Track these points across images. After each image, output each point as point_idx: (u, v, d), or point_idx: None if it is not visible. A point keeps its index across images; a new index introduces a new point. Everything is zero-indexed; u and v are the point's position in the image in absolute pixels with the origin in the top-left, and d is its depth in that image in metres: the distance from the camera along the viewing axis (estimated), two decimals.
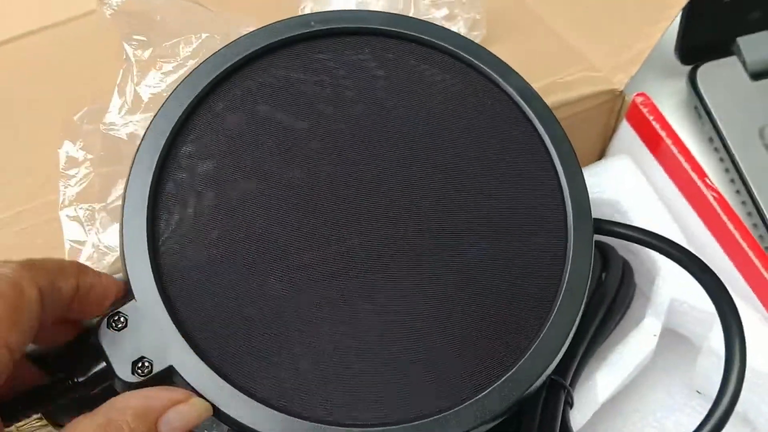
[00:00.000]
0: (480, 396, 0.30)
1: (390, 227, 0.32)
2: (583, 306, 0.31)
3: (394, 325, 0.31)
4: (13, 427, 0.33)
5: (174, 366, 0.29)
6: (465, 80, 0.35)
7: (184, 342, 0.29)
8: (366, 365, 0.30)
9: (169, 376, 0.29)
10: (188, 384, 0.29)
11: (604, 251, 0.40)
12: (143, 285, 0.30)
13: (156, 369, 0.29)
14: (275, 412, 0.29)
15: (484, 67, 0.35)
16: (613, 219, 0.40)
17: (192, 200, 0.32)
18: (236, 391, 0.29)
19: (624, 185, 0.41)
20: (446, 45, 0.35)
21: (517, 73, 0.35)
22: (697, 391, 0.40)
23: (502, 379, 0.30)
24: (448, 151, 0.33)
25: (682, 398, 0.40)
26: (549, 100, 0.40)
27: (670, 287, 0.38)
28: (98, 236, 0.38)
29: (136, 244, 0.31)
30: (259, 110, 0.34)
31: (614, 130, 0.45)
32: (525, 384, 0.30)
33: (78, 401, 0.31)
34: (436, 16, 0.44)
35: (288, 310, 0.31)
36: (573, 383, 0.35)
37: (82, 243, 0.39)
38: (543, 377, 0.30)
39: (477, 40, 0.43)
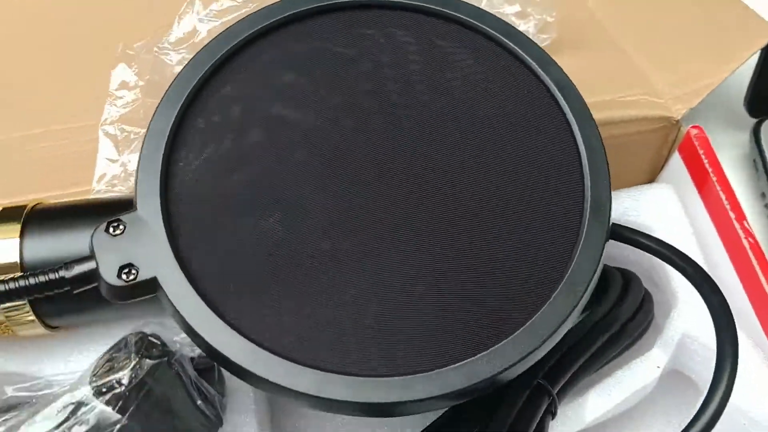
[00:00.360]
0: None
1: (411, 186, 0.32)
2: (584, 296, 0.30)
3: (411, 276, 0.30)
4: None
5: (158, 277, 0.29)
6: (504, 66, 0.34)
7: (174, 257, 0.29)
8: (383, 313, 0.29)
9: (151, 287, 0.29)
10: (168, 298, 0.29)
11: (627, 278, 0.39)
12: (147, 197, 0.31)
13: (141, 277, 0.29)
14: (254, 346, 0.28)
15: (524, 55, 0.34)
16: None
17: (216, 137, 0.32)
18: (211, 314, 0.29)
19: (662, 213, 0.40)
20: (488, 28, 0.35)
21: (557, 64, 0.34)
22: None
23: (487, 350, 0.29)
24: (475, 125, 0.33)
25: None
26: (604, 114, 0.40)
27: (683, 321, 0.36)
28: (129, 158, 0.39)
29: (151, 160, 0.31)
30: (296, 66, 0.34)
31: (666, 159, 0.44)
32: (499, 365, 0.29)
33: (63, 300, 0.32)
34: (508, 11, 0.43)
35: (296, 255, 0.30)
36: (561, 394, 0.33)
37: (113, 161, 0.40)
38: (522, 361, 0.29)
39: (545, 44, 0.43)
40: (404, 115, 0.33)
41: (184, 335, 0.30)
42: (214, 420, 0.29)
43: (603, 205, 0.32)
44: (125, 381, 0.27)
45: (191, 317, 0.29)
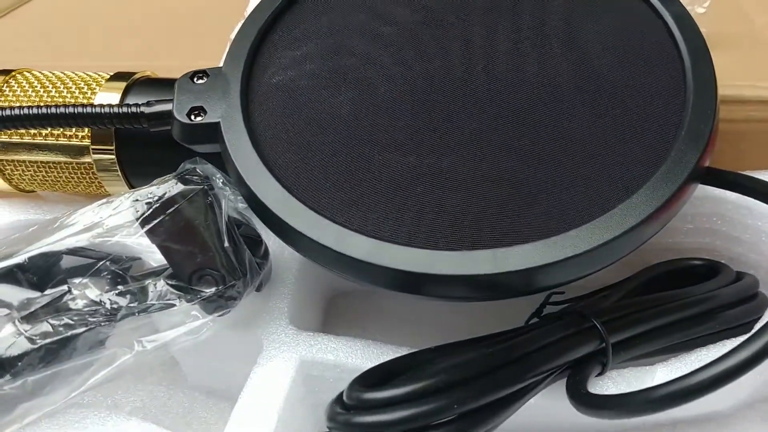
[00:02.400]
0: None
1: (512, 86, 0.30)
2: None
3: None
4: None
5: (221, 122, 0.30)
6: None
7: (240, 109, 0.31)
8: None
9: (214, 134, 0.31)
10: (224, 143, 0.30)
11: (741, 275, 0.34)
12: (235, 58, 0.32)
13: (206, 120, 0.31)
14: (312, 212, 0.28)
15: None
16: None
17: (309, 37, 0.33)
18: (260, 163, 0.29)
19: None
20: None
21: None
22: None
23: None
24: (578, 43, 0.31)
25: None
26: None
27: None
28: None
29: (248, 32, 0.33)
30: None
31: None
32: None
33: (142, 144, 0.34)
34: None
35: (366, 132, 0.30)
36: (618, 349, 0.29)
37: None
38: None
39: (696, 13, 0.40)
40: (506, 33, 0.32)
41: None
42: (238, 271, 0.28)
43: (701, 134, 0.28)
44: (158, 193, 0.27)
45: (241, 163, 0.29)
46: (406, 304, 0.38)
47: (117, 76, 0.36)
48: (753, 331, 0.25)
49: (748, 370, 0.23)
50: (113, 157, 0.35)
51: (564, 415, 0.28)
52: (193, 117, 0.31)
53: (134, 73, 0.36)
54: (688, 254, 0.35)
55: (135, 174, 0.35)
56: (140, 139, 0.34)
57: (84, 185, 0.36)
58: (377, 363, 0.27)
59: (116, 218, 0.27)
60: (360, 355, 0.30)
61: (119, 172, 0.35)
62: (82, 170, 0.35)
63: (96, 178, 0.36)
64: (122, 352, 0.29)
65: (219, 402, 0.34)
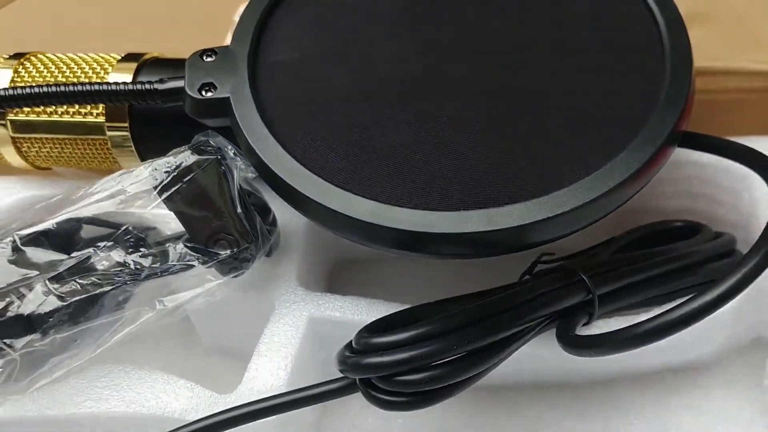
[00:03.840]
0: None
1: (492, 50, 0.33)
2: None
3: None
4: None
5: (231, 97, 0.32)
6: None
7: (248, 84, 0.32)
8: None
9: (223, 105, 0.32)
10: (235, 117, 0.32)
11: (720, 233, 0.36)
12: (242, 35, 0.34)
13: (217, 95, 0.32)
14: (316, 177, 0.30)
15: None
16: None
17: (312, 13, 0.35)
18: (269, 134, 0.31)
19: None
20: None
21: None
22: None
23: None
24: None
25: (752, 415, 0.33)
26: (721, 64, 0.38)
27: None
28: None
29: (254, 10, 0.35)
30: None
31: None
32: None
33: (156, 121, 0.36)
34: None
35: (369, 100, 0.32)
36: (604, 300, 0.31)
37: None
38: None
39: None
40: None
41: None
42: (251, 234, 0.30)
43: (678, 99, 0.31)
44: (175, 162, 0.29)
45: (251, 134, 0.31)
46: (407, 270, 0.41)
47: (128, 57, 0.38)
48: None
49: (726, 301, 0.25)
50: (127, 133, 0.37)
51: (555, 361, 0.30)
52: (203, 92, 0.33)
53: (144, 54, 0.38)
54: (671, 216, 0.37)
55: (148, 149, 0.37)
56: (153, 115, 0.36)
57: (98, 161, 0.38)
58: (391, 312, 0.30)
59: (137, 185, 0.29)
60: (365, 312, 0.32)
61: (133, 148, 0.37)
62: (97, 146, 0.37)
63: (110, 154, 0.38)
64: (144, 311, 0.31)
65: (234, 363, 0.36)
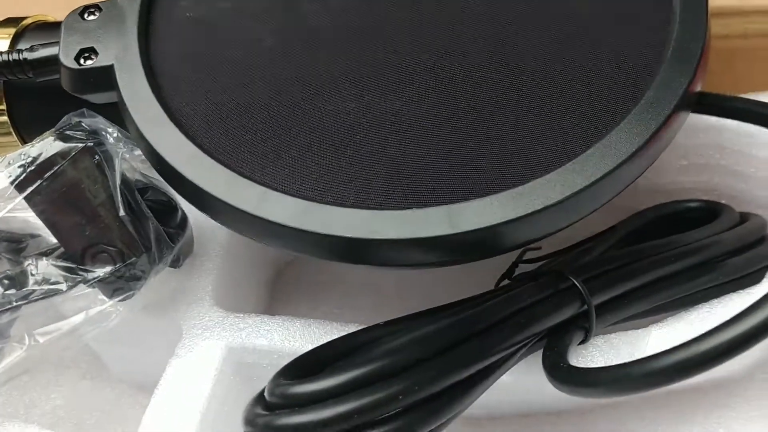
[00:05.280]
0: None
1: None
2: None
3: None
4: None
5: (114, 64, 0.25)
6: None
7: (137, 48, 0.26)
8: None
9: (108, 76, 0.25)
10: (119, 91, 0.25)
11: (745, 216, 0.29)
12: None
13: (98, 63, 0.26)
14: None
15: None
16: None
17: None
18: (161, 111, 0.24)
19: None
20: None
21: None
22: None
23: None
24: None
25: None
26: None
27: None
28: None
29: None
30: None
31: None
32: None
33: (32, 98, 0.29)
34: None
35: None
36: (602, 311, 0.24)
37: None
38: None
39: None
40: None
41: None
42: (140, 245, 0.23)
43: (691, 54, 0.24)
44: (33, 153, 0.22)
45: (138, 113, 0.24)
46: (363, 272, 0.34)
47: (5, 22, 0.31)
48: None
49: None
50: (5, 118, 0.30)
51: (542, 394, 0.24)
52: (82, 61, 0.26)
53: (25, 18, 0.31)
54: (682, 196, 0.31)
55: (33, 135, 0.30)
56: (34, 92, 0.29)
57: None
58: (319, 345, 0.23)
59: None
60: (300, 337, 0.25)
61: (14, 134, 0.30)
62: None
63: None
64: (11, 348, 0.24)
65: (148, 396, 0.29)
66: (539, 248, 0.27)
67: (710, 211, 0.30)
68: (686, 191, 0.32)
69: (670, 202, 0.30)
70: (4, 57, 0.27)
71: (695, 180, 0.32)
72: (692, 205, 0.30)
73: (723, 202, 0.30)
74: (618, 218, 0.29)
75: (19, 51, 0.27)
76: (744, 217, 0.30)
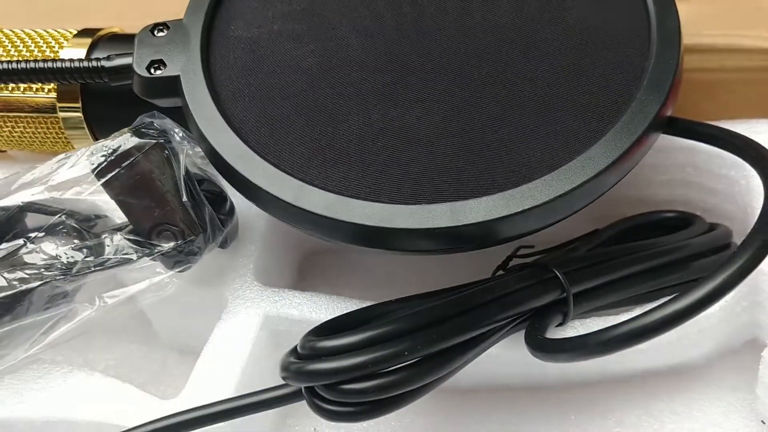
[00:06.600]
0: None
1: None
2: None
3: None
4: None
5: (181, 76, 0.30)
6: None
7: (200, 62, 0.30)
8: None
9: (174, 85, 0.30)
10: (185, 98, 0.29)
11: (714, 225, 0.33)
12: (196, 9, 0.32)
13: (166, 73, 0.30)
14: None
15: None
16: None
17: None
18: (220, 117, 0.29)
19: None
20: None
21: None
22: (762, 421, 0.31)
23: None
24: None
25: (739, 423, 0.31)
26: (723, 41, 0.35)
27: None
28: None
29: None
30: None
31: None
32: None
33: (106, 101, 0.34)
34: None
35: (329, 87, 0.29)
36: (579, 299, 0.28)
37: None
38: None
39: None
40: None
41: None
42: (198, 226, 0.28)
43: (662, 83, 0.28)
44: (113, 146, 0.27)
45: (200, 117, 0.29)
46: (380, 261, 0.38)
47: (83, 33, 0.36)
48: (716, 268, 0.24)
49: (715, 301, 0.23)
50: (80, 114, 0.35)
51: (526, 364, 0.28)
52: (152, 70, 0.30)
53: (100, 29, 0.36)
54: (661, 206, 0.35)
55: (103, 131, 0.35)
56: (107, 95, 0.34)
57: (50, 143, 0.36)
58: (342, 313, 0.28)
59: (72, 171, 0.27)
60: (324, 309, 0.30)
61: (86, 130, 0.35)
62: (49, 126, 0.35)
63: (63, 135, 0.36)
64: (83, 307, 0.29)
65: (192, 360, 0.34)
66: (532, 246, 0.31)
67: (684, 220, 0.34)
68: (665, 203, 0.35)
69: (650, 212, 0.34)
70: (86, 64, 0.32)
71: (672, 193, 0.36)
72: (669, 214, 0.34)
73: (696, 213, 0.34)
74: (605, 223, 0.33)
75: (97, 59, 0.31)
76: (713, 227, 0.34)
